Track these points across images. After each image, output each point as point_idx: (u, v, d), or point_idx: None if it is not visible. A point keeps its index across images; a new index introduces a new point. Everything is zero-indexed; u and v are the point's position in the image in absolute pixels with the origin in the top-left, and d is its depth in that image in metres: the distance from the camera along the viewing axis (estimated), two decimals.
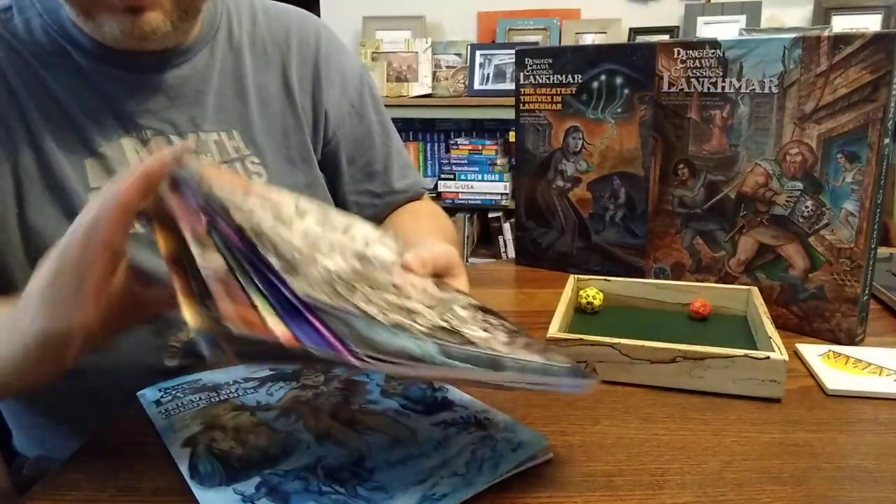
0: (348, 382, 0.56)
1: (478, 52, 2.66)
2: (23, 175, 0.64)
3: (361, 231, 0.49)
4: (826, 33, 0.66)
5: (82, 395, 0.67)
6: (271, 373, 0.58)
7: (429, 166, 2.90)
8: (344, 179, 0.84)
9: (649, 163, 0.78)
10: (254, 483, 0.44)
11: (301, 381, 0.57)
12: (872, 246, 0.66)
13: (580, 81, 0.82)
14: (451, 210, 2.65)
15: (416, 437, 0.49)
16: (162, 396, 0.55)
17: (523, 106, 0.88)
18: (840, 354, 0.64)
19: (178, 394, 0.55)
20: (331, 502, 0.42)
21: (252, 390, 0.55)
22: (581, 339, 0.60)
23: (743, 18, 2.55)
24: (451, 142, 2.72)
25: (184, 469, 0.46)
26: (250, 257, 0.39)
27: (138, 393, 0.55)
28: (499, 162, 2.65)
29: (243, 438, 0.49)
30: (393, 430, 0.49)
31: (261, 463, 0.46)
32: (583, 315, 0.72)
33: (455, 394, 0.54)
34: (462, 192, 2.69)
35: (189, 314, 0.37)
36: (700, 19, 2.60)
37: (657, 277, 0.80)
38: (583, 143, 0.84)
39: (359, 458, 0.46)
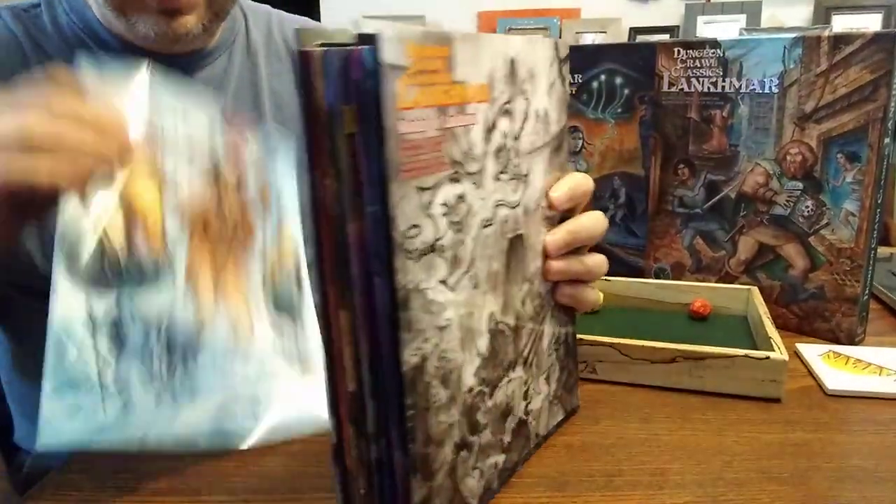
0: None
1: None
2: None
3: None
4: (826, 33, 0.66)
5: None
6: None
7: None
8: None
9: (649, 163, 0.78)
10: (111, 301, 0.41)
11: None
12: (872, 246, 0.66)
13: (580, 81, 0.82)
14: None
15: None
16: None
17: None
18: (840, 354, 0.64)
19: None
20: (147, 373, 0.40)
21: None
22: (581, 339, 0.60)
23: (743, 18, 2.55)
24: None
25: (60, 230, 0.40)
26: None
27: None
28: None
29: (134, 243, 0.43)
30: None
31: (129, 282, 0.42)
32: (583, 315, 0.72)
33: None
34: None
35: None
36: (700, 19, 2.60)
37: (657, 277, 0.80)
38: (583, 143, 0.84)
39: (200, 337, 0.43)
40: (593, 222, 0.50)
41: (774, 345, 0.57)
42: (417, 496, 0.36)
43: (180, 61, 0.71)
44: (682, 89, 0.74)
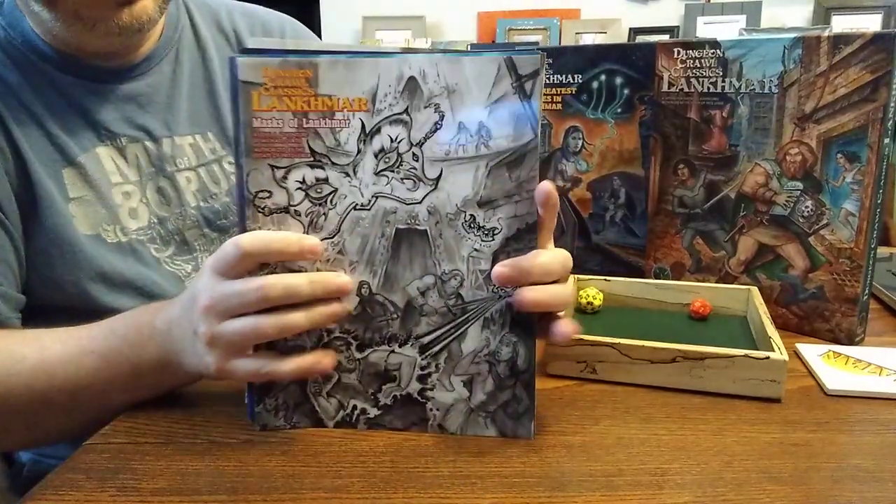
0: None
1: None
2: (12, 186, 0.64)
3: None
4: (826, 33, 0.66)
5: None
6: None
7: None
8: None
9: (649, 163, 0.78)
10: None
11: None
12: (872, 246, 0.66)
13: (580, 81, 0.82)
14: None
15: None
16: None
17: None
18: (840, 354, 0.64)
19: None
20: None
21: None
22: (581, 339, 0.60)
23: (743, 18, 2.56)
24: None
25: None
26: None
27: None
28: None
29: None
30: None
31: None
32: (583, 315, 0.72)
33: None
34: None
35: None
36: (700, 19, 2.60)
37: (657, 277, 0.80)
38: (583, 143, 0.84)
39: None
40: (551, 261, 0.48)
41: (774, 345, 0.57)
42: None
43: (121, 68, 0.71)
44: (681, 89, 0.74)
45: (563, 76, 0.83)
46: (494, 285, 0.49)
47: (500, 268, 0.47)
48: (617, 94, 0.79)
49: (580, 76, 0.82)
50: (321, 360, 0.49)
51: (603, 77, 0.80)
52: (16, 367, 0.54)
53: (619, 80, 0.79)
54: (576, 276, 0.76)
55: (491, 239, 0.49)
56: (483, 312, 0.50)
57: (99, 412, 0.54)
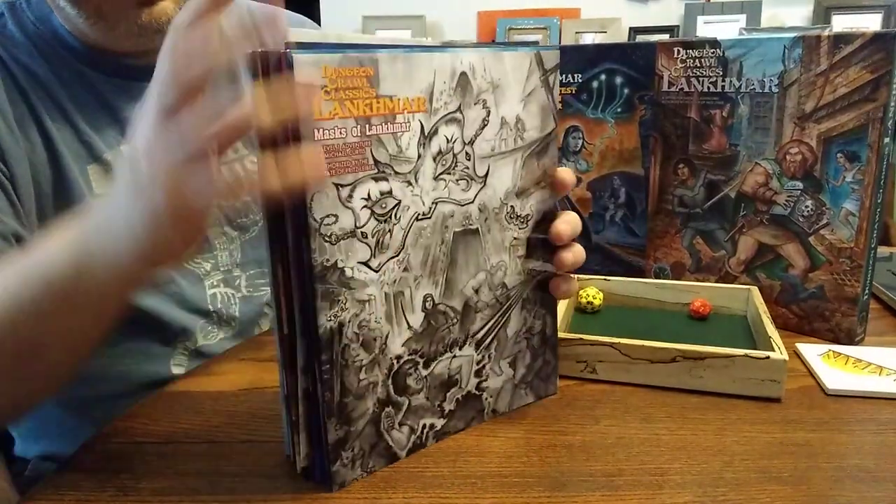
0: None
1: None
2: (40, 178, 0.64)
3: None
4: (826, 33, 0.66)
5: (84, 402, 0.67)
6: None
7: None
8: None
9: (649, 162, 0.78)
10: None
11: None
12: (872, 245, 0.66)
13: (580, 81, 0.82)
14: None
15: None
16: None
17: None
18: (840, 354, 0.64)
19: None
20: None
21: None
22: (581, 338, 0.60)
23: (743, 18, 2.55)
24: None
25: None
26: None
27: None
28: None
29: None
30: None
31: None
32: (583, 315, 0.72)
33: None
34: None
35: None
36: (700, 19, 2.60)
37: (657, 277, 0.80)
38: (583, 143, 0.84)
39: None
40: (575, 220, 0.54)
41: (774, 345, 0.57)
42: (333, 436, 0.44)
43: (149, 66, 0.71)
44: (681, 89, 0.74)
45: (564, 76, 0.83)
46: (528, 268, 0.52)
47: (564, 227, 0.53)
48: (617, 94, 0.79)
49: (580, 76, 0.82)
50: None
51: (603, 77, 0.80)
52: None
53: (619, 80, 0.79)
54: (576, 275, 0.76)
55: (525, 226, 0.52)
56: (521, 295, 0.53)
57: (62, 354, 0.47)
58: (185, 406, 0.56)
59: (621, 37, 2.64)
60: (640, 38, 2.60)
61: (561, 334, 0.61)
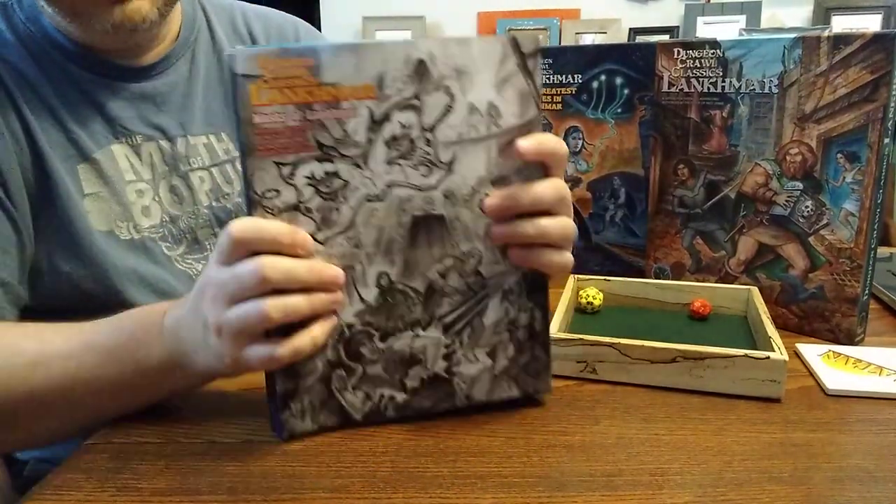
0: None
1: None
2: (26, 179, 0.64)
3: None
4: (826, 33, 0.66)
5: None
6: None
7: None
8: None
9: (649, 163, 0.78)
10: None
11: None
12: (872, 246, 0.66)
13: (580, 81, 0.82)
14: None
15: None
16: None
17: None
18: (840, 354, 0.64)
19: None
20: None
21: None
22: (581, 339, 0.60)
23: (743, 18, 2.56)
24: None
25: None
26: None
27: None
28: None
29: None
30: None
31: None
32: (583, 315, 0.72)
33: None
34: None
35: None
36: (700, 19, 2.60)
37: (657, 277, 0.80)
38: (583, 143, 0.84)
39: None
40: (543, 188, 0.48)
41: (774, 345, 0.57)
42: (282, 387, 0.49)
43: (139, 67, 0.71)
44: (681, 89, 0.74)
45: (563, 76, 0.83)
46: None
47: (490, 200, 0.49)
48: (617, 94, 0.79)
49: (580, 76, 0.82)
50: (332, 323, 0.49)
51: (603, 77, 0.80)
52: (12, 360, 0.52)
53: (619, 81, 0.79)
54: (576, 276, 0.76)
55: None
56: (501, 286, 0.52)
57: (96, 414, 0.53)
58: (185, 406, 0.56)
59: (621, 37, 2.65)
60: (640, 39, 2.60)
61: (561, 334, 0.61)
